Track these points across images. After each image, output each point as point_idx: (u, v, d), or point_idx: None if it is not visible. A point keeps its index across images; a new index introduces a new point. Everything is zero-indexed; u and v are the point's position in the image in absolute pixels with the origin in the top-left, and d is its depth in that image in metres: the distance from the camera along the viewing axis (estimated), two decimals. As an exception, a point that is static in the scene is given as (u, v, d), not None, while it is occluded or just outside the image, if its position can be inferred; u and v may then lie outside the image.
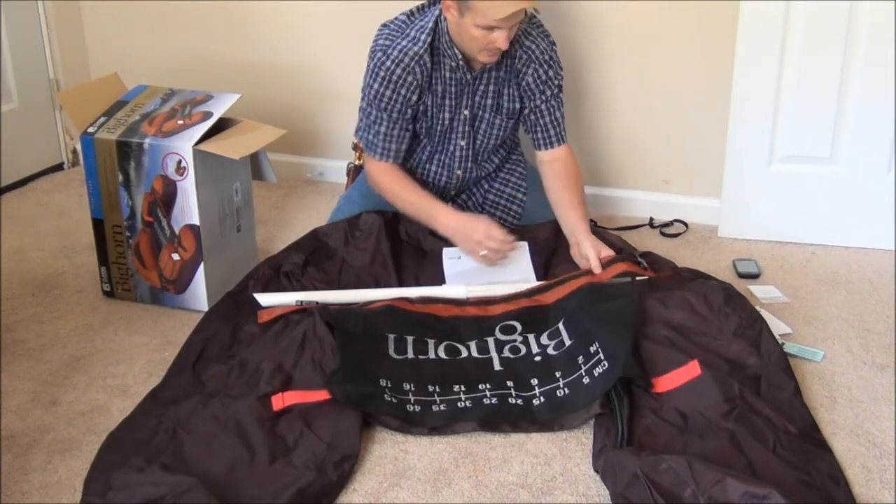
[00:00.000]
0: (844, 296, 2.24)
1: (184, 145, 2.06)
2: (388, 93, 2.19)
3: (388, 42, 2.19)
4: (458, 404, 1.75)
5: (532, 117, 2.26)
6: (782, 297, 2.22)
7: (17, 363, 1.97)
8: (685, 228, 2.62)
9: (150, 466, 1.55)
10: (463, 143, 2.30)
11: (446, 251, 2.24)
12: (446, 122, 2.27)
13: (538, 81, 2.21)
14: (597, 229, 2.46)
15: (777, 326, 2.04)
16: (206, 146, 2.07)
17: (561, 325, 1.92)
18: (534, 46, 2.19)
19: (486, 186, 2.41)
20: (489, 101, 2.26)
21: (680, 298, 1.95)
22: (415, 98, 2.21)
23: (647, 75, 2.60)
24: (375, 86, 2.19)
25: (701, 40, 2.52)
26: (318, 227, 2.35)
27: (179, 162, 2.06)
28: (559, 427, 1.72)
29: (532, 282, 2.12)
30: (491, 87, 2.24)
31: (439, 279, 2.16)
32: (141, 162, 2.09)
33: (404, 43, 2.17)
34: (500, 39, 2.05)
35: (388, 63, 2.17)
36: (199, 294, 2.16)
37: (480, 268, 2.17)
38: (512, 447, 1.68)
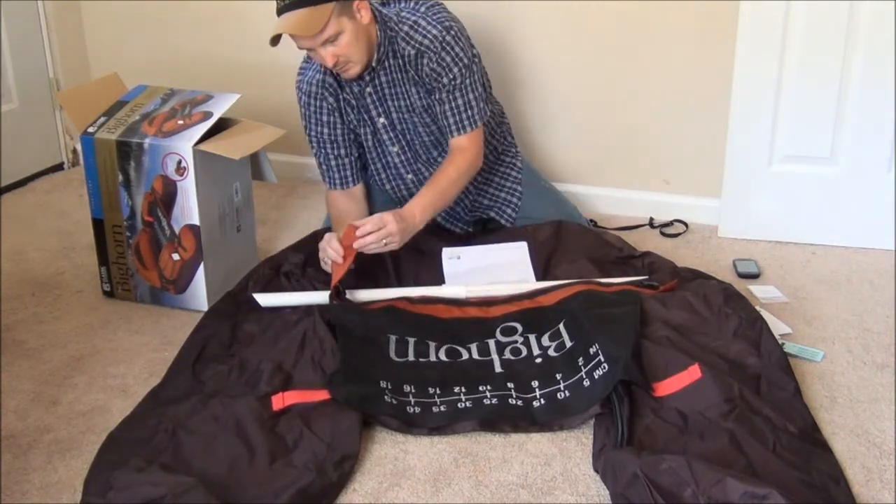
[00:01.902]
0: (844, 296, 2.23)
1: (184, 145, 2.06)
2: (311, 125, 2.26)
3: (300, 75, 2.26)
4: (459, 405, 1.75)
5: (437, 108, 2.19)
6: (782, 297, 2.22)
7: (17, 363, 1.97)
8: (685, 228, 2.62)
9: (150, 466, 1.55)
10: (395, 149, 2.28)
11: (445, 251, 2.24)
12: (369, 134, 2.27)
13: (433, 71, 2.13)
14: (596, 229, 2.47)
15: (777, 326, 2.04)
16: (206, 146, 2.07)
17: (562, 326, 1.92)
18: (420, 38, 2.11)
19: (474, 192, 2.38)
20: (399, 104, 2.21)
21: (680, 298, 1.95)
22: (337, 120, 2.24)
23: (647, 75, 2.60)
24: (303, 122, 2.27)
25: (701, 40, 2.52)
26: (319, 228, 2.36)
27: (179, 162, 2.06)
28: (559, 427, 1.72)
29: (531, 282, 2.12)
30: (388, 91, 2.20)
31: (438, 279, 2.16)
32: (141, 162, 2.09)
33: (311, 72, 2.23)
34: (320, 59, 2.07)
35: (303, 97, 2.25)
36: (199, 294, 2.16)
37: (480, 268, 2.17)
38: (512, 447, 1.68)
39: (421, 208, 2.10)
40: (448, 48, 2.11)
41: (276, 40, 2.01)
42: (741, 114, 2.45)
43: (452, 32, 2.12)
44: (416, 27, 2.12)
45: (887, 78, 2.32)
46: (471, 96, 2.17)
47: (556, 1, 2.59)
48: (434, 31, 2.11)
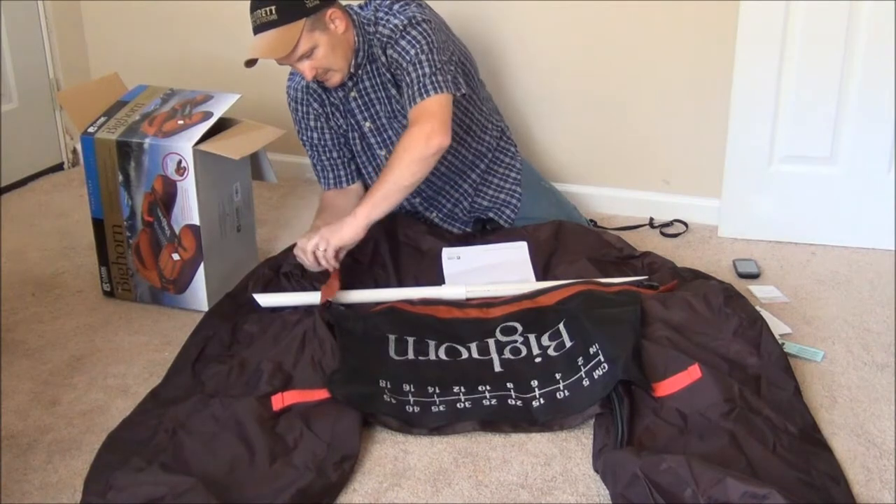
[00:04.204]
0: (844, 296, 2.23)
1: (184, 145, 2.06)
2: (301, 129, 2.30)
3: (289, 81, 2.29)
4: (458, 405, 1.75)
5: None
6: (782, 297, 2.22)
7: (17, 363, 1.97)
8: (685, 228, 2.62)
9: (150, 466, 1.55)
10: (383, 153, 2.28)
11: (445, 251, 2.24)
12: (357, 138, 2.28)
13: (393, 59, 2.11)
14: (596, 229, 2.47)
15: (777, 326, 2.04)
16: (206, 146, 2.07)
17: (562, 326, 1.92)
18: (385, 31, 2.12)
19: (472, 193, 2.38)
20: (385, 108, 2.21)
21: (680, 298, 1.95)
22: (324, 125, 2.26)
23: (647, 75, 2.60)
24: (295, 126, 2.29)
25: (701, 40, 2.51)
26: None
27: (179, 162, 2.06)
28: (559, 427, 1.72)
29: (531, 282, 2.12)
30: (373, 95, 2.20)
31: (438, 279, 2.17)
32: (141, 162, 2.09)
33: (297, 78, 2.25)
34: (298, 71, 2.10)
35: (291, 103, 2.28)
36: (199, 294, 2.16)
37: (480, 268, 2.17)
38: (512, 447, 1.68)
39: (363, 202, 2.04)
40: (406, 33, 2.09)
41: (251, 62, 2.04)
42: (741, 114, 2.45)
43: (414, 21, 2.10)
44: (385, 24, 2.13)
45: (887, 78, 2.32)
46: (424, 70, 2.05)
47: (555, 1, 2.59)
48: (396, 21, 2.11)
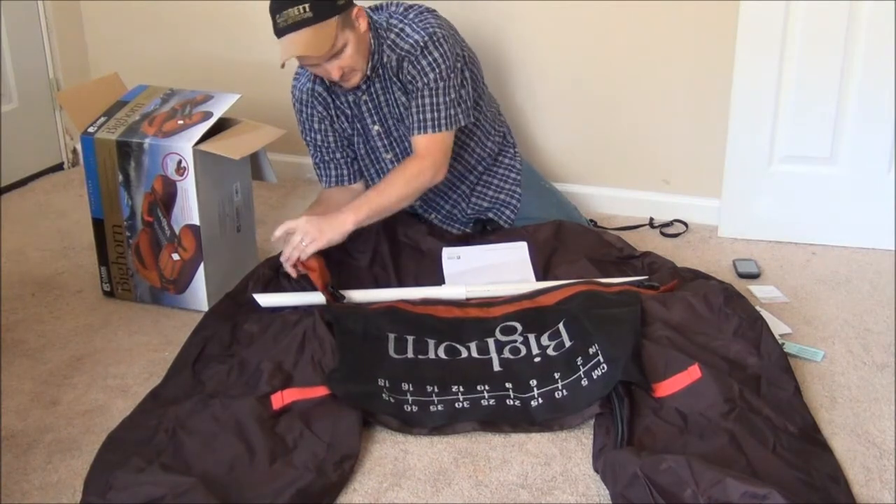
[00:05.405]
0: (844, 296, 2.24)
1: (184, 145, 2.06)
2: (305, 130, 2.30)
3: (295, 82, 2.29)
4: (456, 405, 1.75)
5: (409, 108, 2.17)
6: (782, 297, 2.22)
7: (17, 363, 1.97)
8: (685, 228, 2.62)
9: (150, 466, 1.55)
10: (388, 156, 2.28)
11: (445, 251, 2.24)
12: (362, 143, 2.28)
13: (410, 74, 2.12)
14: (596, 229, 2.47)
15: (777, 326, 2.04)
16: (206, 146, 2.07)
17: (561, 326, 1.92)
18: (403, 44, 2.12)
19: (471, 195, 2.38)
20: (394, 111, 2.21)
21: (680, 298, 1.95)
22: (328, 128, 2.27)
23: (647, 75, 2.60)
24: (299, 127, 2.31)
25: (701, 40, 2.52)
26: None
27: (179, 162, 2.06)
28: (559, 427, 1.72)
29: (531, 282, 2.12)
30: (383, 98, 2.20)
31: (438, 279, 2.17)
32: (141, 162, 2.09)
33: (303, 80, 2.25)
34: (323, 72, 2.10)
35: (296, 104, 2.28)
36: (199, 294, 2.16)
37: (480, 268, 2.18)
38: (512, 447, 1.68)
39: (354, 208, 2.06)
40: (427, 53, 2.10)
41: (283, 63, 2.04)
42: (741, 114, 2.45)
43: (435, 38, 2.10)
44: (401, 34, 2.12)
45: (887, 78, 2.32)
46: (440, 100, 2.12)
47: (555, 1, 2.59)
48: (416, 37, 2.11)
